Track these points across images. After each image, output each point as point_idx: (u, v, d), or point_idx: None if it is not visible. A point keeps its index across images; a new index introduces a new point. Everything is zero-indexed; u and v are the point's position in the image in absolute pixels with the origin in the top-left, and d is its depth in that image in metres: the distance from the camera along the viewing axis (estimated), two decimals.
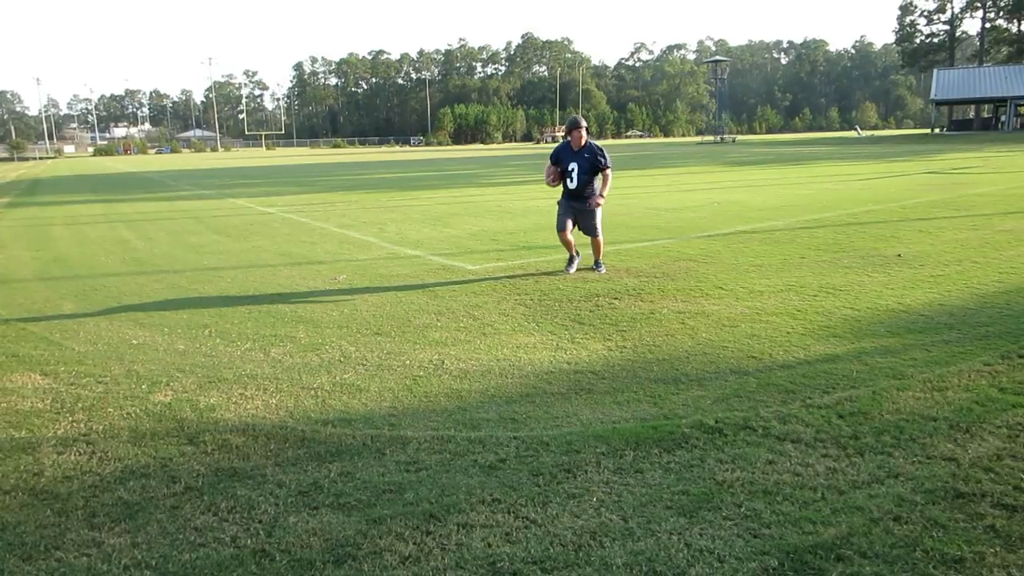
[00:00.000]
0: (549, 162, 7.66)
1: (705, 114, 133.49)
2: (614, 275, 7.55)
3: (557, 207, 7.74)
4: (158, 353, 5.32)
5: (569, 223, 7.59)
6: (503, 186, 21.39)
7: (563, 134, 7.63)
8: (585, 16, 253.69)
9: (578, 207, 7.57)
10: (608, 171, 7.51)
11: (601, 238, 7.68)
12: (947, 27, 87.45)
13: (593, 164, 7.44)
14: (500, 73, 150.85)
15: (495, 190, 19.87)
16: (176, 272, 8.64)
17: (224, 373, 4.81)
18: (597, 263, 7.79)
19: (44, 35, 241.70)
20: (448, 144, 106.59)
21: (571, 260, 7.81)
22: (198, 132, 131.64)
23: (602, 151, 7.48)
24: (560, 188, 7.83)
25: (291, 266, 8.83)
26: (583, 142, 7.44)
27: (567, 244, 7.71)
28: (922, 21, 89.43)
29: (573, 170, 7.45)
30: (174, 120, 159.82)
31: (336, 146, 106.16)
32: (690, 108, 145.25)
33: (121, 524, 2.94)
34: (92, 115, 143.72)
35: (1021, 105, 59.92)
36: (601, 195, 7.56)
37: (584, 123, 7.53)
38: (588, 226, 7.61)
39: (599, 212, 7.59)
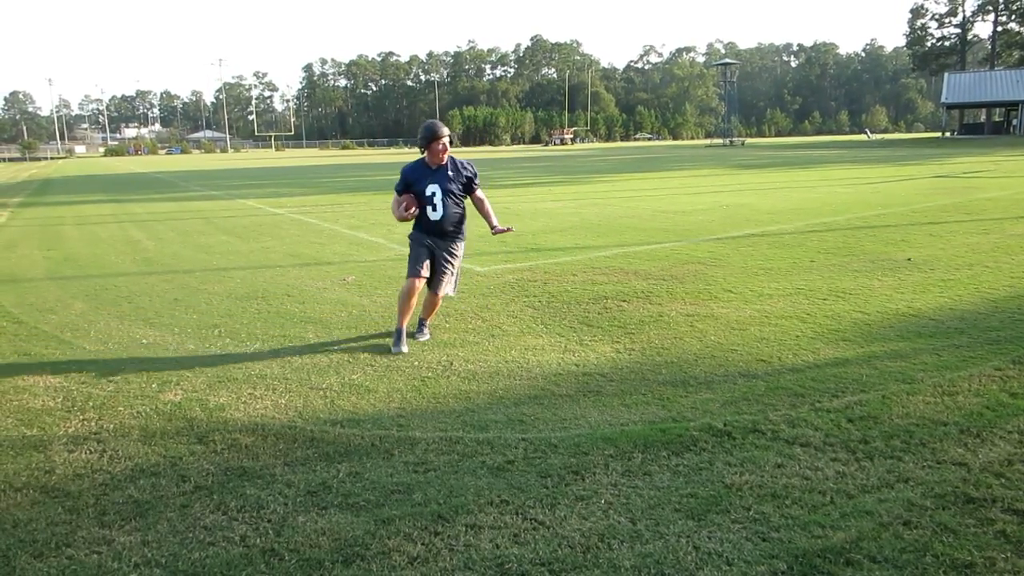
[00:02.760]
0: (395, 194, 5.42)
1: (714, 117, 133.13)
2: (622, 277, 7.55)
3: (410, 244, 5.47)
4: (168, 352, 5.35)
5: (426, 266, 5.35)
6: (511, 188, 21.40)
7: (420, 146, 5.26)
8: (594, 18, 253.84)
9: (441, 246, 5.39)
10: (479, 191, 5.47)
11: (441, 297, 5.61)
12: (958, 30, 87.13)
13: (462, 186, 5.36)
14: (509, 75, 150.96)
15: (503, 192, 19.87)
16: (186, 272, 8.69)
17: (233, 373, 4.83)
18: (421, 323, 5.64)
19: (56, 36, 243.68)
20: (457, 146, 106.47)
21: (412, 331, 5.53)
22: (208, 133, 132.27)
23: (471, 166, 5.41)
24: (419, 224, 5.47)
25: (300, 267, 8.86)
26: (444, 158, 5.25)
27: (409, 298, 5.31)
28: (933, 24, 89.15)
29: (434, 195, 5.24)
30: (184, 121, 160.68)
31: (345, 147, 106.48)
32: (699, 111, 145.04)
33: (131, 522, 2.96)
34: (103, 116, 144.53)
35: None
36: (497, 225, 5.49)
37: (446, 131, 5.25)
38: (437, 277, 5.43)
39: (458, 263, 5.52)
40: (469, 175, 5.36)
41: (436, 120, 5.39)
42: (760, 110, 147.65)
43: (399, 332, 5.29)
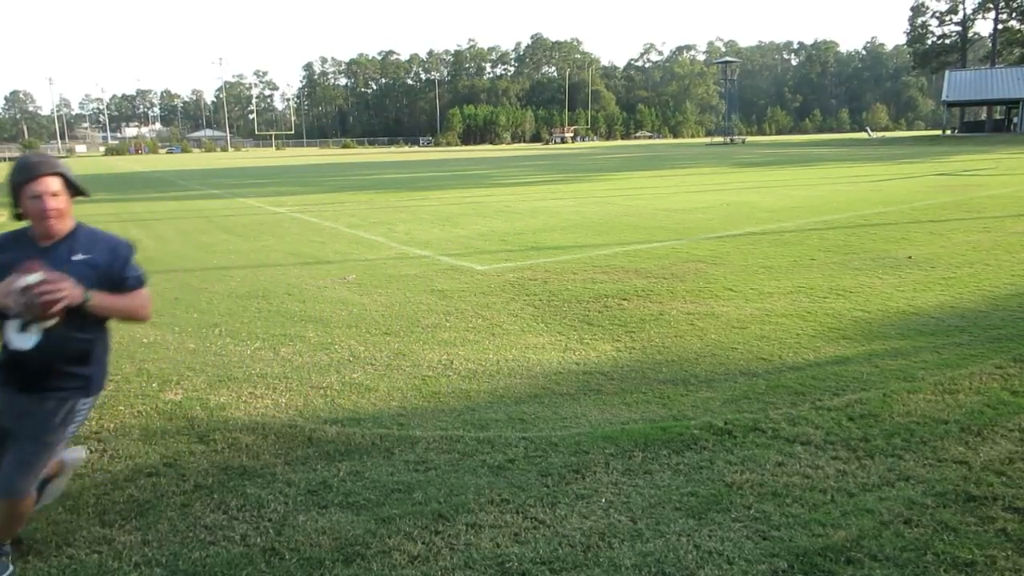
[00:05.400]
0: None
1: (715, 115, 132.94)
2: (623, 276, 7.54)
3: None
4: (168, 352, 5.35)
5: None
6: (511, 187, 21.39)
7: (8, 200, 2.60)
8: (594, 17, 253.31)
9: (21, 407, 2.55)
10: (142, 290, 2.68)
11: (28, 500, 2.55)
12: (959, 28, 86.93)
13: (98, 284, 2.54)
14: (509, 74, 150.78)
15: (503, 191, 19.87)
16: (187, 271, 8.68)
17: (234, 372, 4.83)
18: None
19: (56, 35, 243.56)
20: (457, 144, 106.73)
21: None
22: (208, 132, 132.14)
23: (123, 250, 2.74)
24: None
25: (301, 266, 8.85)
26: (68, 225, 2.71)
27: None
28: (934, 22, 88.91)
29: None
30: (185, 120, 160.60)
31: (346, 146, 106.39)
32: (700, 109, 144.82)
33: (132, 522, 2.96)
34: (104, 115, 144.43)
35: None
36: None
37: (58, 168, 2.64)
38: (15, 458, 2.50)
39: (51, 448, 2.59)
40: (115, 269, 2.65)
41: (41, 153, 2.87)
42: (761, 108, 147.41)
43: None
